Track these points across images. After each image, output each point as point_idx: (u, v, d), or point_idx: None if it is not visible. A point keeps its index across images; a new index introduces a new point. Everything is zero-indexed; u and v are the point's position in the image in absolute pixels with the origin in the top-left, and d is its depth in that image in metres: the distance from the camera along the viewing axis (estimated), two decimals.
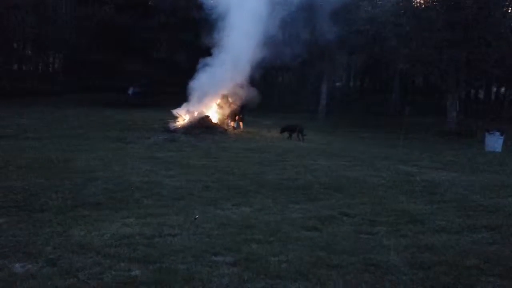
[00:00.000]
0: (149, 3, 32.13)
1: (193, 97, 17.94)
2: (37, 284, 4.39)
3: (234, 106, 19.00)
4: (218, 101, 18.69)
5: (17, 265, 4.82)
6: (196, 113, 17.64)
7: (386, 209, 7.66)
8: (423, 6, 27.42)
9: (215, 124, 17.93)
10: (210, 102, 18.45)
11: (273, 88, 34.75)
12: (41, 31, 33.94)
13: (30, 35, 35.91)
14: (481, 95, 37.21)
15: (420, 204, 8.19)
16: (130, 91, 28.20)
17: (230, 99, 18.69)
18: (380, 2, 23.75)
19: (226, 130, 17.88)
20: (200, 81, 17.72)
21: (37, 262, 4.90)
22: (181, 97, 18.25)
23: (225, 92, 18.46)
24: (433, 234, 6.47)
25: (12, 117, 19.13)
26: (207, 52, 18.01)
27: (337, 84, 41.13)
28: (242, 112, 19.43)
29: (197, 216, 6.71)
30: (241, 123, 19.37)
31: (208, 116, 17.77)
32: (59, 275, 4.59)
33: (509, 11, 24.53)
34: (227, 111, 19.02)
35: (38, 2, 33.93)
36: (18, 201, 7.14)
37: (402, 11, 22.62)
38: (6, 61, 29.62)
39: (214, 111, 18.63)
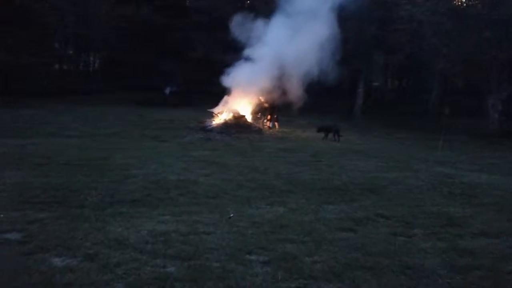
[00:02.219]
0: (186, 3, 32.49)
1: (229, 96, 18.05)
2: (75, 278, 4.50)
3: (269, 106, 19.05)
4: (254, 100, 18.73)
5: (56, 259, 4.96)
6: (231, 113, 17.74)
7: (424, 212, 7.52)
8: (464, 4, 26.78)
9: (250, 123, 17.98)
10: (245, 102, 18.51)
11: (308, 87, 34.56)
12: (81, 31, 34.82)
13: (70, 35, 36.94)
14: None
15: (459, 207, 7.99)
16: (167, 90, 28.59)
17: (265, 99, 18.72)
18: (419, 1, 23.21)
19: (261, 129, 17.90)
20: (236, 80, 17.79)
21: (76, 256, 5.03)
22: (217, 96, 18.38)
23: (261, 91, 18.47)
24: (472, 238, 6.31)
25: (53, 115, 19.68)
26: (243, 51, 18.05)
27: (375, 84, 40.52)
28: (277, 111, 19.43)
29: (231, 215, 6.74)
30: (276, 123, 19.36)
31: (243, 116, 17.83)
32: (97, 270, 4.70)
33: None
34: (262, 110, 19.07)
35: (78, 3, 34.82)
36: (59, 197, 7.35)
37: (442, 10, 22.05)
38: (48, 61, 30.43)
39: (250, 111, 18.68)
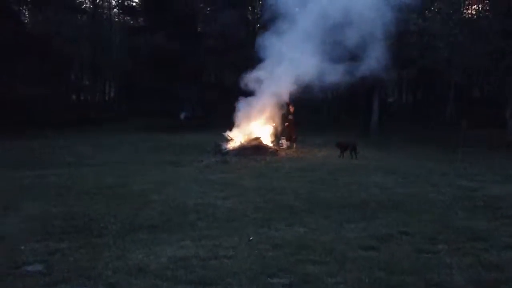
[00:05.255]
0: (198, 29, 32.95)
1: (243, 118, 18.11)
2: None
3: (286, 126, 19.12)
4: (270, 121, 18.79)
5: None
6: (247, 135, 17.78)
7: (447, 226, 7.38)
8: (475, 16, 26.68)
9: (266, 145, 17.98)
10: (260, 123, 18.54)
11: (322, 104, 34.57)
12: (97, 61, 35.56)
13: (86, 65, 37.72)
14: None
15: (483, 220, 7.83)
16: (182, 115, 28.85)
17: (280, 119, 18.79)
18: (430, 15, 23.20)
19: (277, 150, 17.89)
20: (249, 102, 17.88)
21: (97, 286, 5.02)
22: (232, 119, 18.46)
23: (275, 112, 18.54)
24: (498, 251, 6.16)
25: (71, 145, 19.92)
26: (257, 71, 18.18)
27: (389, 100, 40.44)
28: (295, 131, 19.48)
29: (251, 238, 6.69)
30: (293, 143, 19.37)
31: (259, 137, 17.85)
32: None
33: None
34: (279, 130, 19.12)
35: (93, 33, 35.64)
36: (79, 226, 7.38)
37: (452, 24, 22.00)
38: (65, 92, 31.09)
39: (265, 132, 18.70)
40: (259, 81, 17.78)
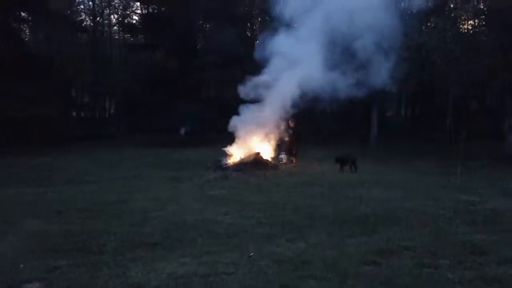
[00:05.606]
0: (198, 46, 33.17)
1: (243, 133, 18.12)
2: None
3: (286, 140, 19.17)
4: (269, 136, 18.80)
5: None
6: (246, 150, 17.78)
7: (448, 241, 7.35)
8: (471, 31, 26.89)
9: (266, 159, 17.98)
10: (260, 138, 18.55)
11: (322, 118, 34.62)
12: (97, 78, 35.73)
13: (87, 82, 37.91)
14: None
15: (484, 234, 7.80)
16: (182, 130, 28.93)
17: (280, 134, 18.83)
18: (426, 30, 23.40)
19: (277, 165, 17.88)
20: (248, 117, 17.90)
21: None
22: (232, 134, 18.48)
23: (274, 126, 18.56)
24: (499, 265, 6.14)
25: (70, 162, 19.93)
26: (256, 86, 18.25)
27: (388, 114, 40.54)
28: (296, 144, 19.51)
29: (252, 254, 6.66)
30: (293, 158, 19.38)
31: (258, 153, 17.85)
32: None
33: None
34: (279, 145, 19.14)
35: (93, 52, 35.86)
36: (78, 244, 7.34)
37: (449, 39, 22.18)
38: (65, 109, 31.18)
39: (265, 146, 18.71)
40: (258, 94, 17.84)
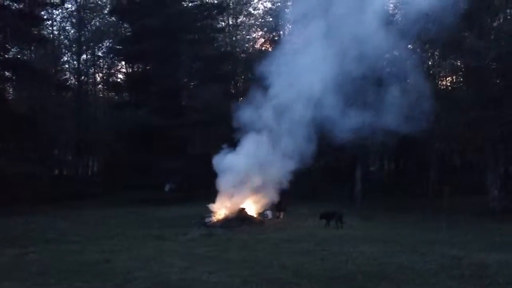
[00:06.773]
0: (182, 103, 33.50)
1: (227, 190, 18.08)
2: None
3: (275, 198, 19.13)
4: (255, 194, 18.76)
5: None
6: (231, 207, 17.70)
7: None
8: (449, 87, 27.77)
9: (252, 216, 17.89)
10: (245, 195, 18.50)
11: (305, 175, 34.71)
12: (81, 136, 35.63)
13: (70, 140, 37.72)
14: None
15: None
16: (167, 187, 28.73)
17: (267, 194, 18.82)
18: (405, 87, 24.11)
19: (263, 221, 17.78)
20: (232, 174, 17.93)
21: None
22: (217, 191, 18.42)
23: (260, 186, 18.54)
24: None
25: (53, 221, 19.53)
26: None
27: (372, 169, 40.88)
28: (284, 203, 19.47)
29: None
30: (281, 213, 19.33)
31: (243, 209, 17.78)
32: None
33: None
34: (266, 203, 19.07)
35: (77, 110, 35.97)
36: None
37: (427, 95, 22.85)
38: (47, 167, 30.82)
39: (250, 203, 18.64)
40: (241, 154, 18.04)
